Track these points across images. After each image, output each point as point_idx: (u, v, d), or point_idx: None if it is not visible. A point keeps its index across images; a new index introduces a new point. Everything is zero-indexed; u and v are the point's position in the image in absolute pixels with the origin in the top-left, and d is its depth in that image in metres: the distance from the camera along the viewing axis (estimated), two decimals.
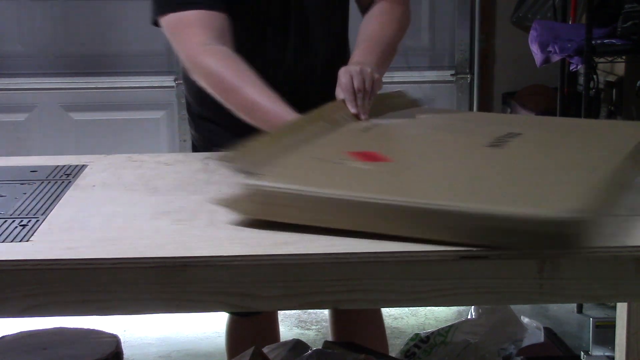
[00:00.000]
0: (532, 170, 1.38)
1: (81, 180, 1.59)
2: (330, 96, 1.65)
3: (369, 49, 1.75)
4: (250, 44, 1.81)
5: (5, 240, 1.27)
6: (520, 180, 1.33)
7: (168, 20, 1.74)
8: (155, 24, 1.79)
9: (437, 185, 1.31)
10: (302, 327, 3.27)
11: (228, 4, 1.74)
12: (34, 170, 1.65)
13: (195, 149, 2.00)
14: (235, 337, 2.09)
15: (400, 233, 1.22)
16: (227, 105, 1.68)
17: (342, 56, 1.89)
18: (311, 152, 1.43)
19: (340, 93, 1.62)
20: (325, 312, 3.29)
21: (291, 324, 3.27)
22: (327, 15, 1.89)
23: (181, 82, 3.98)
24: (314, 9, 1.85)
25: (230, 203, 1.31)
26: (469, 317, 1.89)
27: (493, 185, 1.30)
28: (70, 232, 1.32)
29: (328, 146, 1.47)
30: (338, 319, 2.15)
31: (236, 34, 1.74)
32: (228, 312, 2.04)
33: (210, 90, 1.70)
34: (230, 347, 2.08)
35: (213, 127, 1.92)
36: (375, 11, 1.86)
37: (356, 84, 1.60)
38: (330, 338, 2.15)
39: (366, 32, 1.81)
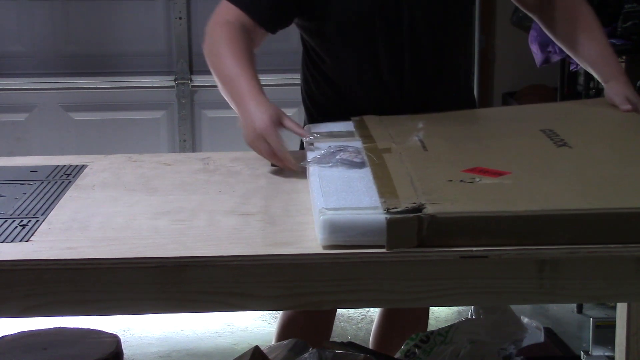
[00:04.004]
0: None
1: (81, 180, 1.59)
2: None
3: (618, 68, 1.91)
4: (365, 69, 1.84)
5: (5, 240, 1.27)
6: None
7: (223, 7, 1.78)
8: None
9: (609, 189, 1.33)
10: None
11: (338, 31, 1.80)
12: (34, 170, 1.65)
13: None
14: (288, 333, 2.07)
15: (608, 240, 1.23)
16: (215, 75, 1.71)
17: (467, 76, 2.04)
18: (437, 175, 1.38)
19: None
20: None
21: None
22: (442, 38, 1.88)
23: (181, 82, 4.03)
24: (426, 29, 1.84)
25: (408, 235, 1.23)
26: (469, 317, 1.88)
27: None
28: (70, 232, 1.32)
29: (433, 167, 1.44)
30: (383, 324, 2.18)
31: (352, 61, 1.82)
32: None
33: (206, 56, 1.74)
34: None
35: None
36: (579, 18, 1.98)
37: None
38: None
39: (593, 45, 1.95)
